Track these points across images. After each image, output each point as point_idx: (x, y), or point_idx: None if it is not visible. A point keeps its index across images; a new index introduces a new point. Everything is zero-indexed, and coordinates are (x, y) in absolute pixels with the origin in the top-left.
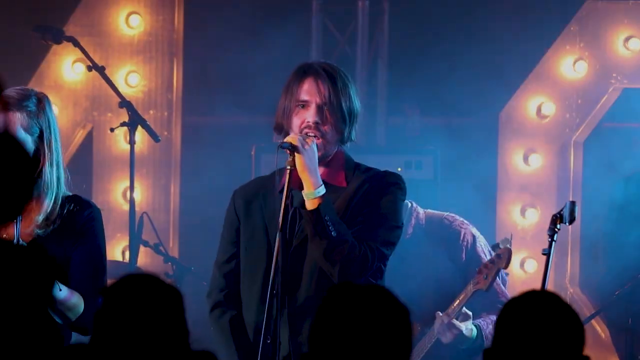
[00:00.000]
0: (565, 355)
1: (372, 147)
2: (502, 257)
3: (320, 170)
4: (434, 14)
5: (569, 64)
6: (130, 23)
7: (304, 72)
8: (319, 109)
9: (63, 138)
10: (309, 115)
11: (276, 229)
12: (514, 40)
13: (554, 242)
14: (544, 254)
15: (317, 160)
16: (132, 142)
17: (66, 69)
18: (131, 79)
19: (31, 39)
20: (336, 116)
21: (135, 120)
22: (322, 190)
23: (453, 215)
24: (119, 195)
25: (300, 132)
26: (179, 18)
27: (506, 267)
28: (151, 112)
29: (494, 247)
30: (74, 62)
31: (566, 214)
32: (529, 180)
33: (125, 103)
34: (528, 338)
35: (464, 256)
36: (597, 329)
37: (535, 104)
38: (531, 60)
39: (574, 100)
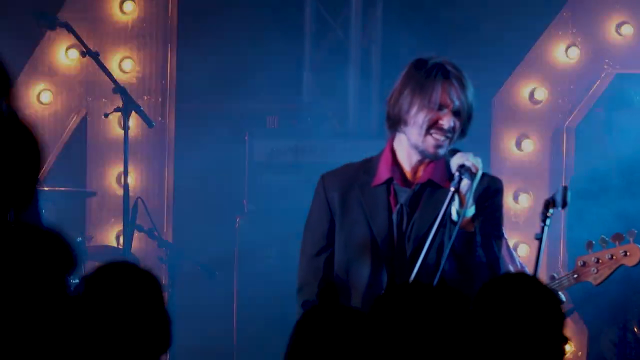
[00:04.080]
0: (542, 337)
1: (365, 133)
2: (631, 254)
3: (428, 167)
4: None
5: (562, 50)
6: (125, 9)
7: (441, 73)
8: (455, 114)
9: (57, 124)
10: (446, 121)
11: (378, 226)
12: (507, 26)
13: (546, 227)
14: (536, 239)
15: None
16: (126, 128)
17: (60, 55)
18: (125, 65)
19: (25, 25)
20: (465, 120)
21: (129, 106)
22: (473, 210)
23: None
24: (113, 180)
25: (430, 133)
26: (172, 4)
27: (635, 265)
28: (145, 97)
29: (606, 240)
30: (68, 48)
31: (559, 198)
32: (521, 165)
33: (119, 89)
34: (505, 320)
35: None
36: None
37: (528, 90)
38: (524, 46)
39: (567, 86)
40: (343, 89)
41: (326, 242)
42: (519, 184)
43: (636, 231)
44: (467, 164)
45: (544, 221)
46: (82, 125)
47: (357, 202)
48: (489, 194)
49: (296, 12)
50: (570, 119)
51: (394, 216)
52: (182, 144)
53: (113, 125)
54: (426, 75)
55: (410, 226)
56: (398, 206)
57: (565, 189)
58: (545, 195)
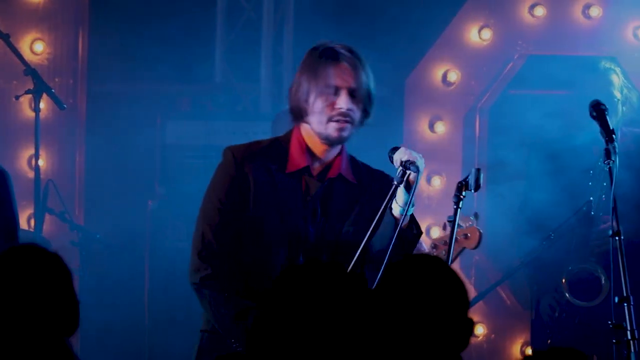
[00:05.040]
0: (447, 318)
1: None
2: (471, 237)
3: (336, 162)
4: None
5: (475, 31)
6: None
7: (331, 56)
8: (351, 94)
9: None
10: (342, 102)
11: (293, 216)
12: (421, 8)
13: (459, 210)
14: (449, 221)
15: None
16: (37, 110)
17: None
18: (36, 47)
19: None
20: (364, 100)
21: (40, 88)
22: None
23: None
24: (24, 162)
25: (330, 119)
26: None
27: (475, 248)
28: (56, 79)
29: (462, 220)
30: None
31: (471, 181)
32: (434, 147)
33: (30, 71)
34: (409, 302)
35: None
36: (502, 296)
37: (441, 72)
38: (437, 27)
39: (479, 68)
40: (255, 71)
41: (231, 221)
42: (432, 166)
43: (479, 214)
44: (412, 158)
45: (456, 203)
46: None
47: (272, 186)
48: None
49: None
50: (483, 100)
51: (306, 209)
52: (93, 126)
53: (24, 107)
54: (318, 60)
55: (323, 221)
56: (309, 198)
57: (478, 171)
58: (458, 178)
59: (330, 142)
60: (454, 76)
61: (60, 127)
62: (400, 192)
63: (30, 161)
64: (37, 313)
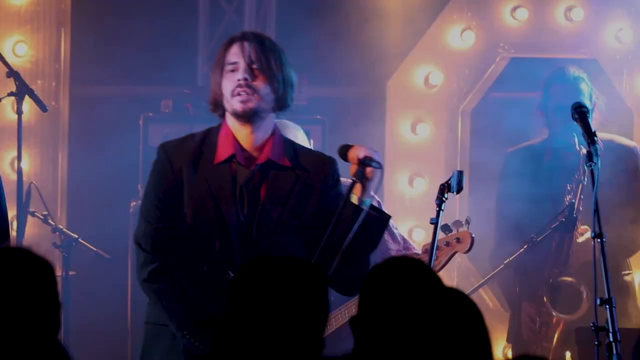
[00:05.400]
0: (430, 320)
1: None
2: (463, 241)
3: (265, 147)
4: None
5: (457, 34)
6: None
7: (230, 40)
8: (250, 67)
9: None
10: (239, 74)
11: (226, 206)
12: (402, 10)
13: (441, 212)
14: (431, 224)
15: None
16: (19, 112)
17: None
18: (18, 49)
19: None
20: (267, 75)
21: (22, 90)
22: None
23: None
24: (6, 165)
25: (233, 94)
26: None
27: (467, 252)
28: (39, 82)
29: (446, 227)
30: None
31: (454, 183)
32: (417, 150)
33: (12, 73)
34: (392, 305)
35: None
36: (485, 298)
37: (423, 74)
38: (419, 29)
39: (462, 70)
40: None
41: (172, 216)
42: (414, 168)
43: (470, 217)
44: (369, 154)
45: (439, 206)
46: None
47: (203, 178)
48: (331, 180)
49: None
50: (465, 103)
51: (237, 197)
52: (76, 128)
53: (6, 109)
54: (221, 47)
55: (255, 209)
56: (240, 187)
57: (460, 173)
58: (440, 180)
59: (240, 117)
60: (436, 78)
61: (43, 129)
62: (359, 187)
63: (13, 163)
64: (20, 315)
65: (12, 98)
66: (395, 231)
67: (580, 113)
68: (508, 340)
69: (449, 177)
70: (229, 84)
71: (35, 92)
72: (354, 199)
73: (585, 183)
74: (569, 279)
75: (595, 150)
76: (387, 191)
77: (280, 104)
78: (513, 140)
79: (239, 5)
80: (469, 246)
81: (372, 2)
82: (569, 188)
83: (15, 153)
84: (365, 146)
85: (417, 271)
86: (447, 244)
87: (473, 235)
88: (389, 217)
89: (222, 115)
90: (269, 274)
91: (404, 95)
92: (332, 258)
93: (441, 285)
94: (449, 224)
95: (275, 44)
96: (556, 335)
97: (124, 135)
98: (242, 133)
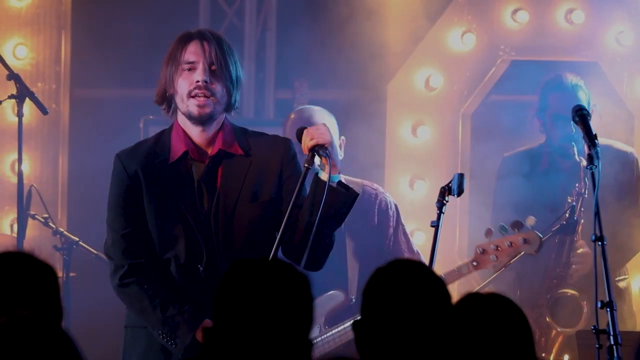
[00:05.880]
0: (434, 324)
1: (260, 121)
2: (531, 242)
3: (217, 139)
4: None
5: (457, 36)
6: None
7: (188, 36)
8: (209, 69)
9: None
10: (198, 75)
11: (185, 202)
12: (403, 12)
13: (442, 215)
14: (432, 227)
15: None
16: (20, 115)
17: None
18: (19, 52)
19: None
20: (224, 76)
21: (23, 93)
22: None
23: (371, 182)
24: (7, 168)
25: (189, 95)
26: None
27: (536, 253)
28: (39, 84)
29: (503, 228)
30: None
31: (454, 186)
32: (417, 153)
33: (13, 75)
34: (395, 308)
35: (391, 225)
36: None
37: (424, 76)
38: (419, 32)
39: (462, 73)
40: None
41: (135, 221)
42: (415, 171)
43: (535, 218)
44: (320, 141)
45: (440, 209)
46: None
47: (160, 178)
48: (288, 157)
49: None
50: (466, 105)
51: (196, 193)
52: (76, 131)
53: (7, 112)
54: (176, 45)
55: (214, 201)
56: (195, 182)
57: (461, 176)
58: (441, 183)
59: (195, 120)
60: (436, 81)
61: (43, 132)
62: (325, 163)
63: (13, 166)
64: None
65: (13, 101)
66: (412, 240)
67: (581, 116)
68: None
69: (449, 180)
70: (185, 83)
71: (35, 95)
72: (323, 175)
73: (586, 196)
74: (570, 291)
75: (597, 153)
76: (388, 194)
77: (230, 105)
78: (513, 143)
79: (240, 7)
80: (537, 247)
81: (372, 4)
82: (569, 200)
83: (15, 156)
84: (311, 130)
85: (420, 273)
86: (511, 244)
87: (542, 237)
88: (356, 194)
89: (166, 110)
90: (250, 277)
91: (405, 97)
92: (295, 234)
93: (444, 288)
94: (506, 225)
95: (230, 44)
96: (555, 347)
97: (124, 138)
98: (194, 131)
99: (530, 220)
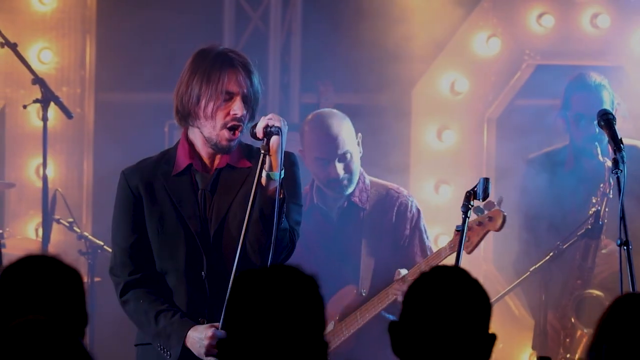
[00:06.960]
0: (471, 331)
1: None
2: (495, 219)
3: (226, 155)
4: None
5: (482, 41)
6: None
7: (225, 61)
8: (244, 101)
9: None
10: (237, 108)
11: (187, 210)
12: (428, 16)
13: (467, 219)
14: (457, 231)
15: None
16: (45, 119)
17: None
18: (44, 56)
19: None
20: (253, 107)
21: (48, 97)
22: (282, 173)
23: (398, 186)
24: (31, 172)
25: (224, 126)
26: None
27: (499, 230)
28: (64, 89)
29: (478, 209)
30: None
31: (480, 190)
32: (442, 157)
33: (38, 80)
34: (434, 313)
35: (408, 227)
36: (511, 306)
37: (449, 81)
38: (445, 36)
39: (488, 77)
40: (263, 81)
41: (137, 234)
42: (440, 176)
43: (502, 196)
44: (270, 122)
45: (465, 213)
46: (1, 116)
47: (163, 190)
48: (286, 165)
49: (215, 4)
50: (491, 110)
51: (198, 203)
52: (101, 135)
53: (32, 116)
54: (212, 65)
55: (211, 208)
56: (200, 191)
57: (486, 180)
58: (466, 187)
59: (218, 149)
60: (461, 85)
61: (68, 136)
62: (268, 160)
63: (38, 170)
64: (46, 323)
65: (38, 105)
66: (426, 241)
67: (607, 120)
68: (533, 347)
69: (475, 185)
70: (222, 114)
71: (60, 99)
72: (264, 174)
73: (611, 196)
74: (595, 292)
75: (622, 157)
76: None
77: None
78: (539, 147)
79: (265, 12)
80: (500, 223)
81: (397, 8)
82: (594, 201)
83: (40, 160)
84: (266, 117)
85: (462, 281)
86: (480, 223)
87: (505, 213)
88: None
89: (179, 122)
90: (259, 286)
91: (430, 102)
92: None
93: (485, 296)
94: (481, 206)
95: (253, 64)
96: (580, 347)
97: (149, 142)
98: (205, 150)
99: (499, 199)
